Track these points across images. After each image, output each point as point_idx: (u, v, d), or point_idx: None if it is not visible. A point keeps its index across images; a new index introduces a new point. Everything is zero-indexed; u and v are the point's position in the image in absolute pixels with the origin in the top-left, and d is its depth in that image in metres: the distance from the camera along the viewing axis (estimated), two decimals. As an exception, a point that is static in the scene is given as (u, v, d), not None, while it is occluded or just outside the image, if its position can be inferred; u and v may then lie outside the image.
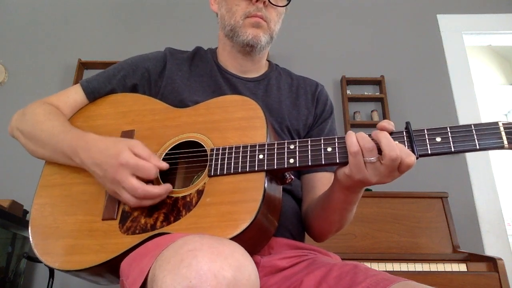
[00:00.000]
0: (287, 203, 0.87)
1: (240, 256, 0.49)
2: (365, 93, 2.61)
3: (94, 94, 0.93)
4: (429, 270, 1.70)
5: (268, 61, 1.06)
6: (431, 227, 1.89)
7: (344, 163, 0.67)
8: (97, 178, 0.76)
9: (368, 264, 1.52)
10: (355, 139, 0.64)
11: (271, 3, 0.91)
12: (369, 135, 0.65)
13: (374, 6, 2.88)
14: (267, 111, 0.89)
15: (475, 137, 0.62)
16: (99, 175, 0.74)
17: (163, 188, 0.71)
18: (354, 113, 2.55)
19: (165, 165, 0.74)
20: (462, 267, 1.70)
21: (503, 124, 0.61)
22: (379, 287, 0.60)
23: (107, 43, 2.79)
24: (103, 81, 0.94)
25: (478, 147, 0.61)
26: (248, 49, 0.94)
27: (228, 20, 0.93)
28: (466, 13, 2.83)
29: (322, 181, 0.92)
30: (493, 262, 1.65)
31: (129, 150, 0.72)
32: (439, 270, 1.70)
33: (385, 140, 0.63)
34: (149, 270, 0.53)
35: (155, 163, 0.72)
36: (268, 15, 0.91)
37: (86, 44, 2.78)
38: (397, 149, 0.62)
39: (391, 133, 0.65)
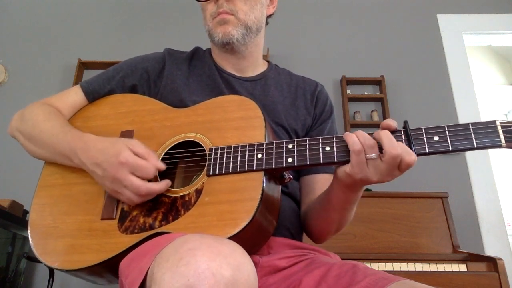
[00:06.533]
0: (286, 203, 0.87)
1: (239, 256, 0.49)
2: (365, 93, 2.61)
3: (93, 95, 0.94)
4: (429, 270, 1.70)
5: (267, 61, 1.06)
6: (431, 227, 1.89)
7: (343, 162, 0.67)
8: (96, 178, 0.76)
9: (368, 264, 1.52)
10: (356, 138, 0.65)
11: None
12: (370, 134, 0.66)
13: (374, 6, 2.88)
14: (264, 111, 0.89)
15: (473, 136, 0.62)
16: (99, 175, 0.74)
17: (163, 184, 0.73)
18: (354, 113, 2.55)
19: (162, 166, 0.74)
20: (462, 267, 1.70)
21: (500, 123, 0.62)
22: (377, 286, 0.61)
23: (107, 43, 2.79)
24: (103, 82, 0.94)
25: (475, 146, 0.62)
26: (228, 47, 0.94)
27: (205, 27, 0.95)
28: (466, 13, 2.82)
29: (321, 182, 0.92)
30: (493, 262, 1.64)
31: (128, 149, 0.72)
32: (439, 270, 1.69)
33: (387, 138, 0.63)
34: (148, 270, 0.53)
35: (154, 163, 0.73)
36: (233, 7, 0.90)
37: (86, 44, 2.78)
38: (398, 147, 0.62)
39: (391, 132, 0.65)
